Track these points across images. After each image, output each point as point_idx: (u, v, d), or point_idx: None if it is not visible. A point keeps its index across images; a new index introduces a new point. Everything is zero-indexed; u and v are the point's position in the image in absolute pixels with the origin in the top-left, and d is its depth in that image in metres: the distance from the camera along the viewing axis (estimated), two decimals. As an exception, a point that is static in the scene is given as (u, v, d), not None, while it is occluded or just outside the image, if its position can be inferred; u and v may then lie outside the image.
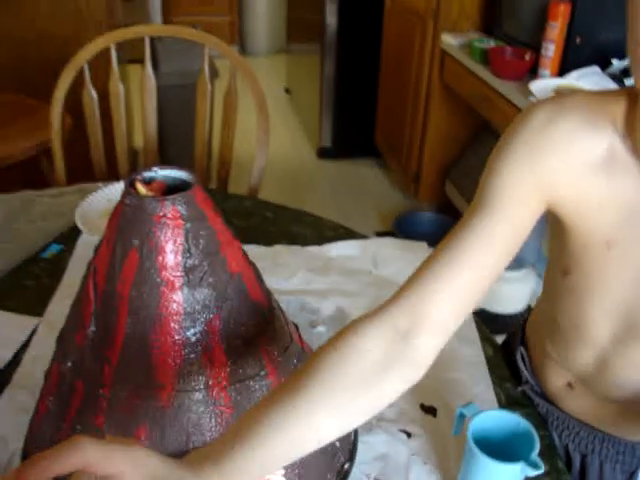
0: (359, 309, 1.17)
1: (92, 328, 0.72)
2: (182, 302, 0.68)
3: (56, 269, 1.23)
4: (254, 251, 1.30)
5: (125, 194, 0.68)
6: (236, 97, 1.70)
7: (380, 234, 3.08)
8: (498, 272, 0.71)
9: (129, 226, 0.67)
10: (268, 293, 0.79)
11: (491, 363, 1.07)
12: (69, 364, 0.76)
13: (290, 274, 1.24)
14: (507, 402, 1.01)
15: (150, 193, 0.68)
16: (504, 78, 2.27)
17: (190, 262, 0.68)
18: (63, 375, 0.77)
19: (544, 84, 2.17)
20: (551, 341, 0.94)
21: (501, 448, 0.81)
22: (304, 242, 1.35)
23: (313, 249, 1.32)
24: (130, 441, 0.54)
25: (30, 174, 2.14)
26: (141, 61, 1.73)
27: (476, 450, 0.77)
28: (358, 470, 0.87)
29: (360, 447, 0.90)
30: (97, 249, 0.74)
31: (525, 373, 1.04)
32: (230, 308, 0.71)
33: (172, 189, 0.72)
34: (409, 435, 0.94)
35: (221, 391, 0.71)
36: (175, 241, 0.67)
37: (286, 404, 0.60)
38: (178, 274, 0.67)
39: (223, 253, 0.71)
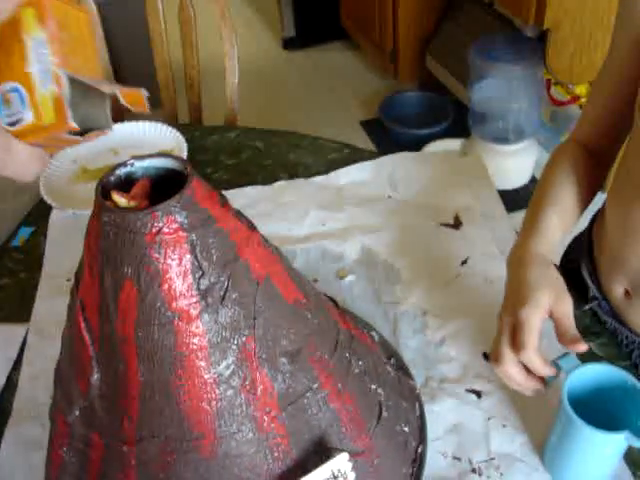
0: (387, 245, 1.02)
1: (96, 375, 0.57)
2: (204, 333, 0.52)
3: (32, 258, 1.06)
4: (252, 193, 1.14)
5: (98, 208, 0.51)
6: (194, 11, 1.46)
7: (365, 123, 2.88)
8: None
9: (115, 251, 0.50)
10: (301, 281, 0.63)
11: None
12: (76, 413, 0.61)
13: (300, 216, 1.08)
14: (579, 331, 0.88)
15: (132, 202, 0.51)
16: None
17: (205, 282, 0.52)
18: (72, 425, 0.62)
19: None
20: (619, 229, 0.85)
21: (601, 408, 0.69)
22: (307, 172, 1.17)
23: (319, 180, 1.15)
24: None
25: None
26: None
27: (574, 417, 0.65)
28: (432, 449, 0.76)
29: (429, 420, 0.77)
30: (77, 275, 0.57)
31: (591, 287, 0.91)
32: (264, 323, 0.56)
33: (158, 184, 0.55)
34: (479, 395, 0.81)
35: (272, 421, 0.57)
36: (180, 260, 0.50)
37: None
38: (193, 300, 0.51)
39: (243, 256, 0.54)
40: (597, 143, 0.88)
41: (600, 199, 0.93)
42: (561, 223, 0.81)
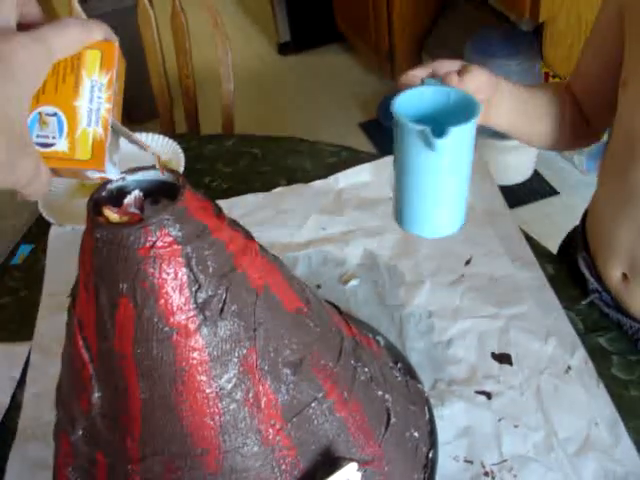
0: (389, 248, 1.00)
1: (97, 394, 0.56)
2: (204, 347, 0.51)
3: (33, 276, 1.05)
4: (252, 201, 1.13)
5: (90, 224, 0.50)
6: (186, 17, 1.45)
7: (363, 124, 2.87)
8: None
9: (108, 267, 0.49)
10: (302, 289, 0.62)
11: (556, 283, 0.92)
12: (79, 432, 0.60)
13: (300, 221, 1.07)
14: (586, 328, 0.87)
15: (124, 217, 0.50)
16: None
17: (202, 295, 0.51)
18: (76, 445, 0.61)
19: None
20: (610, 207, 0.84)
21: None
22: (306, 177, 1.16)
23: (318, 184, 1.14)
24: None
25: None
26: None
27: (403, 121, 0.59)
28: (443, 454, 0.74)
29: (439, 425, 0.76)
30: (73, 293, 0.56)
31: (590, 279, 0.90)
32: (265, 334, 0.54)
33: (152, 198, 0.54)
34: (489, 396, 0.80)
35: (277, 433, 0.56)
36: (176, 274, 0.49)
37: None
38: (190, 314, 0.50)
39: (240, 267, 0.53)
40: (582, 98, 0.91)
41: (589, 194, 0.92)
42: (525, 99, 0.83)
